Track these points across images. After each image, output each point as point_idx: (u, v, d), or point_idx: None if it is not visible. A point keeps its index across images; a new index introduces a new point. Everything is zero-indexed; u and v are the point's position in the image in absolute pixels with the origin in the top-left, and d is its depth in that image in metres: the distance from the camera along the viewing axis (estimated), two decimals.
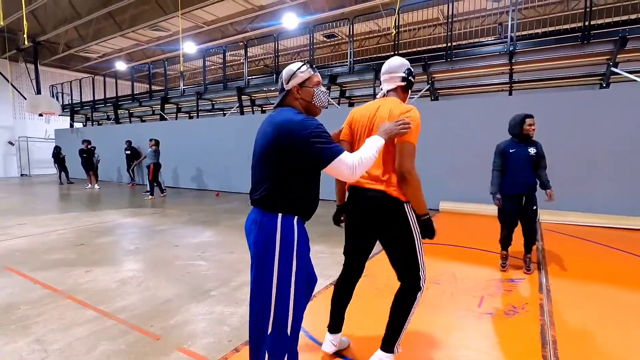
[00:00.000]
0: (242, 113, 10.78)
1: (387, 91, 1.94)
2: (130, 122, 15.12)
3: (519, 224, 3.56)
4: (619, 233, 5.17)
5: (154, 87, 13.59)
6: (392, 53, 8.11)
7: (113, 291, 3.21)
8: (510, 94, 8.28)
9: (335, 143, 1.48)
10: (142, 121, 14.97)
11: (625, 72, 6.36)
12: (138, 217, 6.70)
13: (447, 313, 2.73)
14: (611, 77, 6.56)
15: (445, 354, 2.19)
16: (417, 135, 1.76)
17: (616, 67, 6.49)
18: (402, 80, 1.90)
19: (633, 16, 8.08)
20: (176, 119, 13.36)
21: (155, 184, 9.07)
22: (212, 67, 18.05)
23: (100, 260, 4.07)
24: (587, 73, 7.30)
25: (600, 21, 7.40)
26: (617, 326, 2.55)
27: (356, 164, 1.47)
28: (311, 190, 1.58)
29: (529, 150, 3.44)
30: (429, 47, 11.37)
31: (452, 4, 7.43)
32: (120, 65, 17.06)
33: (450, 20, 7.51)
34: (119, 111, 14.38)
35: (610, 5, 8.84)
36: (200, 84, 11.61)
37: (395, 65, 1.90)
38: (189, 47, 14.08)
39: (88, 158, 11.24)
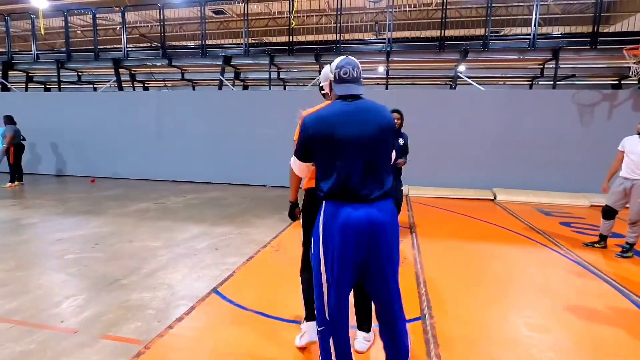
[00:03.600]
0: (120, 89, 9.55)
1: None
2: None
3: None
4: (464, 202, 6.74)
5: None
6: (288, 40, 8.37)
7: None
8: (386, 87, 9.57)
9: None
10: None
11: (467, 77, 8.12)
12: None
13: None
14: (458, 80, 8.30)
15: None
16: None
17: (460, 72, 8.22)
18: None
19: (474, 30, 10.22)
20: (26, 90, 10.93)
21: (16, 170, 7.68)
22: (72, 29, 15.13)
23: None
24: (442, 75, 9.02)
25: (451, 32, 9.14)
26: (465, 266, 3.58)
27: None
28: None
29: (399, 141, 4.19)
30: (317, 35, 12.01)
31: None
32: None
33: (339, 13, 8.16)
34: None
35: (458, 19, 10.96)
36: (62, 50, 9.75)
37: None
38: (39, 2, 11.46)
39: None
